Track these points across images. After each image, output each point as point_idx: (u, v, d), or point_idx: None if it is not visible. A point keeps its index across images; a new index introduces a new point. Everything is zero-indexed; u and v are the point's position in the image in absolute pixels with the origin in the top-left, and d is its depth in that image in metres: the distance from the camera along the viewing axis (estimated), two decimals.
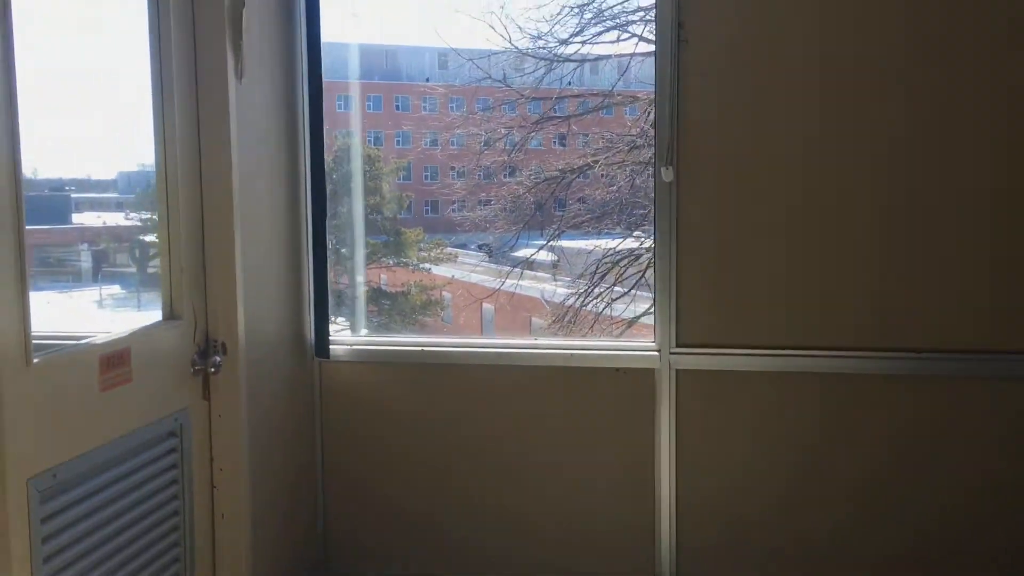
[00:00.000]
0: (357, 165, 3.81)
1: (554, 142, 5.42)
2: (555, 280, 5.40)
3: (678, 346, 3.09)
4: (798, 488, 3.11)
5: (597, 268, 5.31)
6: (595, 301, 5.33)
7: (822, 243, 3.01)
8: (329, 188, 3.29)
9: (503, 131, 5.31)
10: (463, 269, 5.41)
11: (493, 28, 4.69)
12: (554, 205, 5.34)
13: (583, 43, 5.10)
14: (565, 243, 5.37)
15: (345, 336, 3.44)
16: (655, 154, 3.07)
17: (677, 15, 2.99)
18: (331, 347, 3.28)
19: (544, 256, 5.34)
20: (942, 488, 3.05)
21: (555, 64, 5.10)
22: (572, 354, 3.19)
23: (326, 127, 3.29)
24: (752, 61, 2.99)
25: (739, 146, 3.02)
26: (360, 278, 3.83)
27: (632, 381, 3.15)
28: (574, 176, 5.32)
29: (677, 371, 3.10)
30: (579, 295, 5.34)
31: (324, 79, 3.23)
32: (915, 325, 2.99)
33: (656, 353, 3.11)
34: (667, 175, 3.03)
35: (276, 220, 3.14)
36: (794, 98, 2.98)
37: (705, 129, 3.02)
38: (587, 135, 5.39)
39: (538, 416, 3.25)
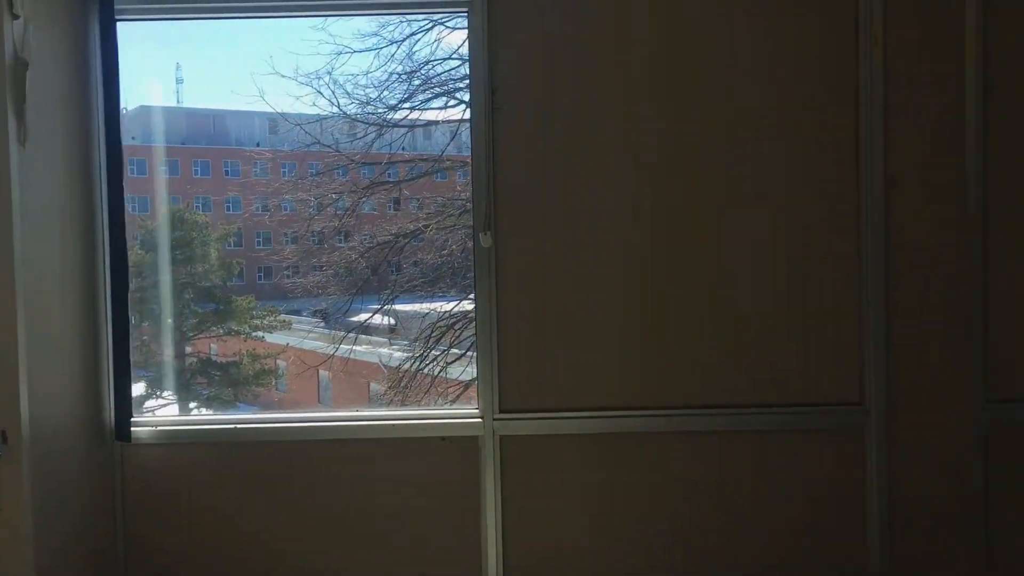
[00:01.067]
0: (170, 232, 3.64)
1: (388, 207, 5.39)
2: (392, 344, 5.32)
3: (501, 412, 3.07)
4: (627, 548, 3.12)
5: (432, 331, 5.27)
6: (431, 364, 5.28)
7: (641, 306, 3.07)
8: (148, 256, 3.11)
9: (333, 196, 5.23)
10: (298, 336, 5.25)
11: (321, 93, 4.65)
12: (389, 269, 5.29)
13: (412, 109, 5.13)
14: (401, 307, 5.31)
15: (150, 417, 3.23)
16: (473, 220, 3.07)
17: (490, 82, 3.03)
18: (134, 429, 3.06)
19: (381, 320, 5.26)
20: (761, 535, 3.13)
21: (385, 129, 5.09)
22: (395, 424, 3.10)
23: (149, 194, 3.12)
24: (564, 127, 3.06)
25: (555, 211, 3.07)
26: (189, 349, 3.63)
27: (457, 449, 3.10)
28: (407, 240, 5.30)
29: (501, 437, 3.07)
30: (415, 359, 5.27)
31: (140, 144, 3.07)
32: (727, 383, 3.08)
33: (480, 420, 3.07)
34: (485, 241, 3.03)
35: (69, 296, 2.93)
36: (606, 162, 3.06)
37: (521, 195, 3.06)
38: (419, 199, 5.39)
39: (364, 490, 3.13)
